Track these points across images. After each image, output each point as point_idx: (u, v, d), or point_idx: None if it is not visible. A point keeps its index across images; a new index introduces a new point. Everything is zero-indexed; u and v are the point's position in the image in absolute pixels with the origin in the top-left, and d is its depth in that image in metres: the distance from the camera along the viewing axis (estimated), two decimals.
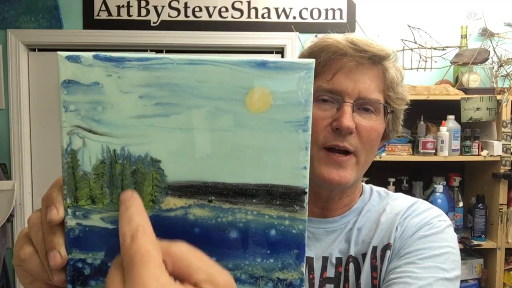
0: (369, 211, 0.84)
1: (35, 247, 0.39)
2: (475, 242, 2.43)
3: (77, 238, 0.38)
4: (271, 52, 2.81)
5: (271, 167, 0.37)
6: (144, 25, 2.68)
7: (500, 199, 2.40)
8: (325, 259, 0.81)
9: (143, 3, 2.68)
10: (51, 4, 2.60)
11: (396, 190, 2.44)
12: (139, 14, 2.69)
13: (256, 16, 2.72)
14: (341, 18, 2.73)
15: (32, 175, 2.74)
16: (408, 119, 0.86)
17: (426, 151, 2.39)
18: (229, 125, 0.36)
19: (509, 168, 2.39)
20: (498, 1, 2.72)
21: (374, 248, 0.79)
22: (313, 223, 0.83)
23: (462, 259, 0.79)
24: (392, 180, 2.52)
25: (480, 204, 2.45)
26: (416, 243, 0.75)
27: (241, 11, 2.71)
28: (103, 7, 2.67)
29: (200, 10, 2.70)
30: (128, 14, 2.68)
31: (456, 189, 2.54)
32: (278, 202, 0.37)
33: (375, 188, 0.90)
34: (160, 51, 2.72)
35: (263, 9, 2.71)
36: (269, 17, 2.72)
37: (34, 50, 2.74)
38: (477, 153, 2.41)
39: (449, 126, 2.39)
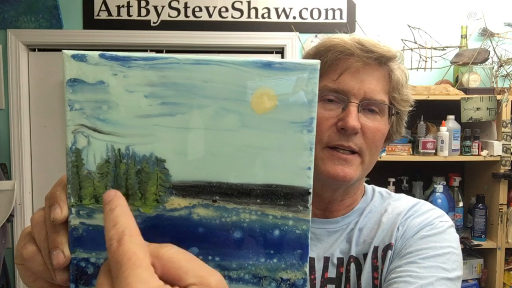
0: (371, 212, 0.84)
1: (38, 246, 0.39)
2: (475, 242, 2.43)
3: (81, 237, 0.38)
4: (271, 52, 2.82)
5: (276, 167, 0.37)
6: (144, 25, 2.68)
7: (500, 199, 2.40)
8: (326, 260, 0.81)
9: (143, 3, 2.68)
10: (51, 4, 2.60)
11: (396, 190, 2.44)
12: (139, 14, 2.69)
13: (256, 16, 2.72)
14: (341, 18, 2.73)
15: (32, 175, 2.74)
16: (408, 119, 0.86)
17: (426, 151, 2.39)
18: (234, 125, 0.36)
19: (509, 168, 2.39)
20: (498, 1, 2.72)
21: (375, 248, 0.79)
22: (314, 224, 0.83)
23: (462, 259, 0.79)
24: (392, 180, 2.52)
25: (480, 204, 2.45)
26: (418, 243, 0.75)
27: (241, 11, 2.71)
28: (103, 7, 2.67)
29: (200, 10, 2.70)
30: (128, 14, 2.68)
31: (456, 189, 2.54)
32: (282, 202, 0.37)
33: (377, 188, 0.90)
34: (160, 51, 2.72)
35: (263, 9, 2.71)
36: (269, 17, 2.72)
37: (34, 50, 2.74)
38: (477, 153, 2.41)
39: (449, 126, 2.39)
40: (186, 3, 2.69)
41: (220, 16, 2.71)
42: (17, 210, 2.64)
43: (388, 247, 0.78)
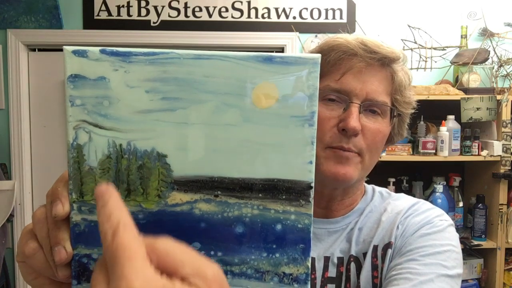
0: (371, 212, 0.84)
1: (40, 242, 0.39)
2: (475, 242, 2.43)
3: (83, 233, 0.37)
4: (271, 52, 2.81)
5: (277, 161, 0.37)
6: (144, 25, 2.68)
7: (500, 199, 2.40)
8: (326, 259, 0.81)
9: (143, 3, 2.68)
10: (51, 4, 2.60)
11: (396, 190, 2.44)
12: (139, 14, 2.69)
13: (256, 16, 2.72)
14: (341, 18, 2.73)
15: (32, 175, 2.73)
16: (409, 119, 0.86)
17: (426, 151, 2.39)
18: (235, 120, 0.36)
19: (509, 168, 2.39)
20: (498, 1, 2.73)
21: (375, 247, 0.79)
22: (315, 224, 0.83)
23: (462, 257, 0.79)
24: (392, 180, 2.52)
25: (480, 204, 2.45)
26: (418, 241, 0.75)
27: (241, 11, 2.71)
28: (103, 7, 2.67)
29: (200, 10, 2.70)
30: (128, 14, 2.68)
31: (456, 189, 2.54)
32: (284, 197, 0.37)
33: (377, 188, 0.90)
34: None
35: (263, 9, 2.71)
36: (269, 17, 2.72)
37: (34, 50, 2.74)
38: (477, 153, 2.41)
39: (449, 126, 2.39)
40: (186, 3, 2.69)
41: (220, 16, 2.71)
42: (17, 210, 2.64)
43: (388, 245, 0.78)
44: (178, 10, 2.70)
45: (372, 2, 2.72)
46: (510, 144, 2.38)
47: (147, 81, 0.36)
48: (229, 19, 2.71)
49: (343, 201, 0.84)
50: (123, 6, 2.68)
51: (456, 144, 2.41)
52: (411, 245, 0.75)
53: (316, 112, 0.37)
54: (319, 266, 0.80)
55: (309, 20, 2.73)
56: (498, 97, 2.38)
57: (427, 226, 0.77)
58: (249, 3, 2.71)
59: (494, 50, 2.52)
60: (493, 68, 2.51)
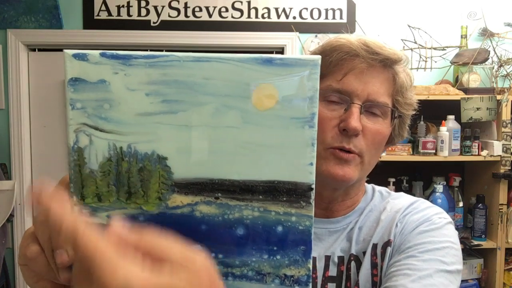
0: (371, 211, 0.84)
1: (42, 246, 0.39)
2: (475, 242, 2.43)
3: None
4: (271, 52, 2.81)
5: (278, 163, 0.37)
6: (144, 25, 2.68)
7: (500, 199, 2.40)
8: (327, 258, 0.81)
9: (143, 3, 2.68)
10: (51, 4, 2.60)
11: (396, 190, 2.43)
12: (139, 14, 2.69)
13: (256, 16, 2.72)
14: (341, 18, 2.73)
15: (32, 175, 2.74)
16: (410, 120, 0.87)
17: (426, 151, 2.39)
18: (236, 122, 0.36)
19: (509, 168, 2.39)
20: (498, 1, 2.72)
21: (374, 246, 0.79)
22: (316, 223, 0.83)
23: (462, 259, 0.79)
24: (392, 180, 2.52)
25: (480, 204, 2.45)
26: (416, 238, 0.75)
27: (241, 11, 2.71)
28: (103, 7, 2.67)
29: (200, 10, 2.70)
30: (128, 14, 2.68)
31: (456, 189, 2.54)
32: (284, 199, 0.37)
33: (377, 187, 0.90)
34: (160, 51, 2.71)
35: (263, 9, 2.71)
36: (269, 17, 2.72)
37: (34, 50, 2.74)
38: (477, 153, 2.41)
39: (449, 126, 2.39)
40: (186, 3, 2.69)
41: (220, 16, 2.71)
42: (17, 210, 2.64)
43: (387, 243, 0.78)
44: (178, 10, 2.70)
45: (372, 2, 2.72)
46: (510, 144, 2.38)
47: (147, 84, 0.36)
48: (229, 19, 2.71)
49: (344, 202, 0.84)
50: (123, 6, 2.67)
51: (456, 144, 2.41)
52: (410, 242, 0.75)
53: (316, 113, 0.37)
54: (320, 265, 0.80)
55: (309, 20, 2.73)
56: (498, 97, 2.38)
57: (426, 224, 0.77)
58: (249, 3, 2.71)
59: (494, 50, 2.51)
60: (493, 68, 2.51)
